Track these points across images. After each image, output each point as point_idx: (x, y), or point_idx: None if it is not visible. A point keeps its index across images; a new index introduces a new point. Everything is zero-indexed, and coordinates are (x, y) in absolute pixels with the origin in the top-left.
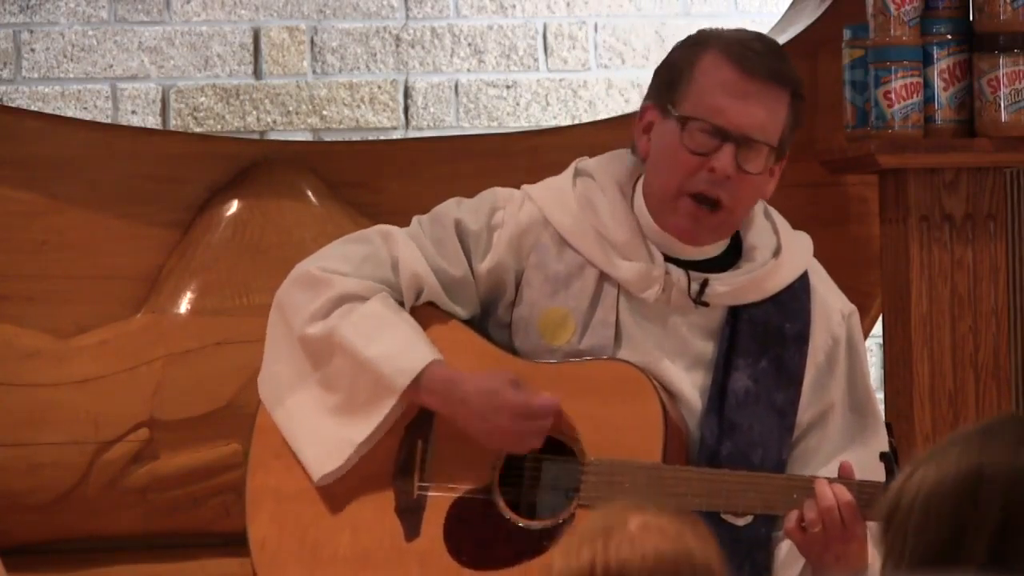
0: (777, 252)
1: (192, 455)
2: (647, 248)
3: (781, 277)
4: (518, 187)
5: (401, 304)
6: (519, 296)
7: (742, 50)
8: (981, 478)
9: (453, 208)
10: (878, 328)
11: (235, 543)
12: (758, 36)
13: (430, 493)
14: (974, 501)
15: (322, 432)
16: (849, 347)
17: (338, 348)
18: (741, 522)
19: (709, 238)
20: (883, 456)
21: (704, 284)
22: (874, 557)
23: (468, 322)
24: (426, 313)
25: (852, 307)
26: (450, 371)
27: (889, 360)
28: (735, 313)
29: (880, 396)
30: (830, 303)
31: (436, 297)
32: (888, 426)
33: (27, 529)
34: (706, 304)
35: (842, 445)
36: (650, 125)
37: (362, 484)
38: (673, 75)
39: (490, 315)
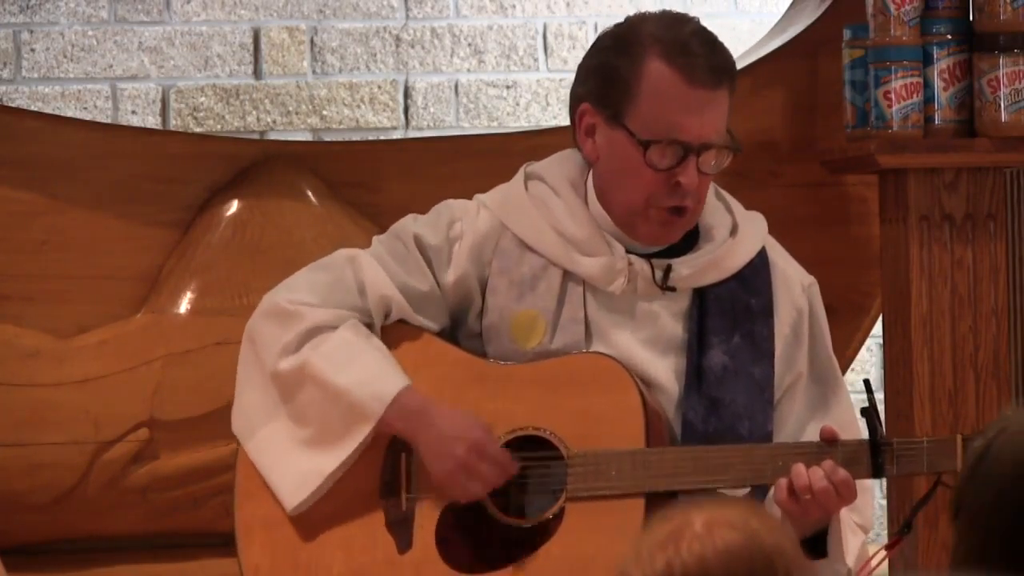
0: (733, 231)
1: (192, 455)
2: (607, 242)
3: (741, 254)
4: None
5: (371, 327)
6: (485, 305)
7: (684, 55)
8: None
9: (410, 224)
10: (878, 328)
11: (235, 542)
12: (693, 30)
13: (418, 504)
14: None
15: (293, 464)
16: (812, 318)
17: (309, 380)
18: (739, 494)
19: (678, 236)
20: (864, 411)
21: (668, 269)
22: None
23: (439, 334)
24: (398, 330)
25: (812, 278)
26: (421, 398)
27: (889, 360)
28: (701, 294)
29: (880, 396)
30: (791, 276)
31: (405, 314)
32: (866, 382)
33: (27, 529)
34: (673, 289)
35: (809, 414)
36: (592, 128)
37: (350, 503)
38: (615, 83)
39: (460, 327)
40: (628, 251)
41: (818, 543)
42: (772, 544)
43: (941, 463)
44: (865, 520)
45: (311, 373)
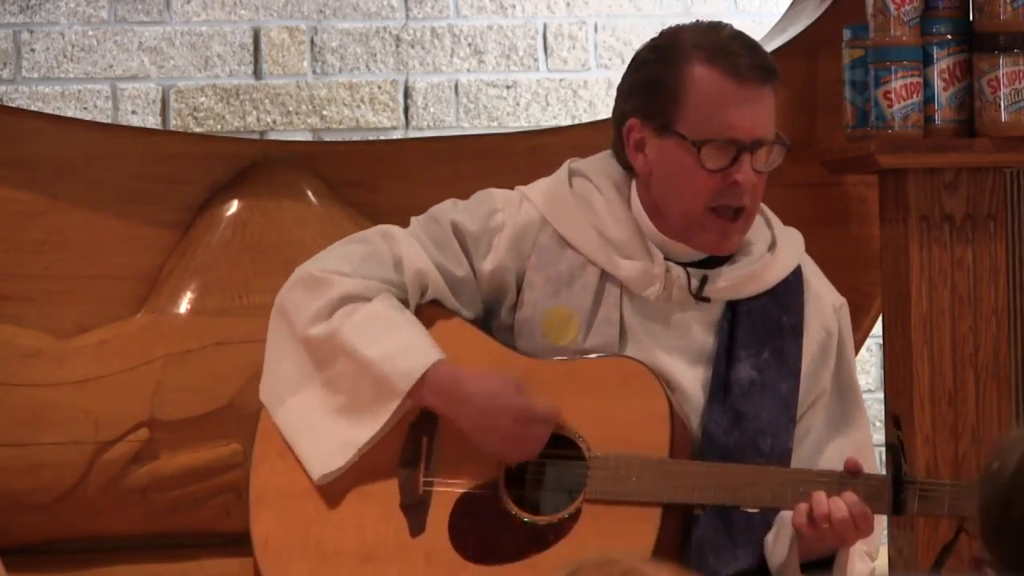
0: (772, 246)
1: (192, 455)
2: (646, 247)
3: (777, 271)
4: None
5: (405, 303)
6: (520, 299)
7: (727, 56)
8: None
9: (450, 209)
10: (878, 328)
11: (235, 543)
12: (731, 33)
13: (435, 489)
14: None
15: (325, 432)
16: (840, 339)
17: (341, 350)
18: (753, 509)
19: (737, 243)
20: (890, 447)
21: (704, 280)
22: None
23: (472, 322)
24: (431, 311)
25: (843, 300)
26: (454, 370)
27: (889, 360)
28: (733, 307)
29: (880, 396)
30: (823, 296)
31: (441, 294)
32: (895, 419)
33: (27, 529)
34: (707, 299)
35: (828, 434)
36: (641, 142)
37: (366, 481)
38: (660, 93)
39: (493, 318)
40: (667, 258)
41: (823, 564)
42: None
43: (962, 507)
44: (872, 548)
45: (342, 343)
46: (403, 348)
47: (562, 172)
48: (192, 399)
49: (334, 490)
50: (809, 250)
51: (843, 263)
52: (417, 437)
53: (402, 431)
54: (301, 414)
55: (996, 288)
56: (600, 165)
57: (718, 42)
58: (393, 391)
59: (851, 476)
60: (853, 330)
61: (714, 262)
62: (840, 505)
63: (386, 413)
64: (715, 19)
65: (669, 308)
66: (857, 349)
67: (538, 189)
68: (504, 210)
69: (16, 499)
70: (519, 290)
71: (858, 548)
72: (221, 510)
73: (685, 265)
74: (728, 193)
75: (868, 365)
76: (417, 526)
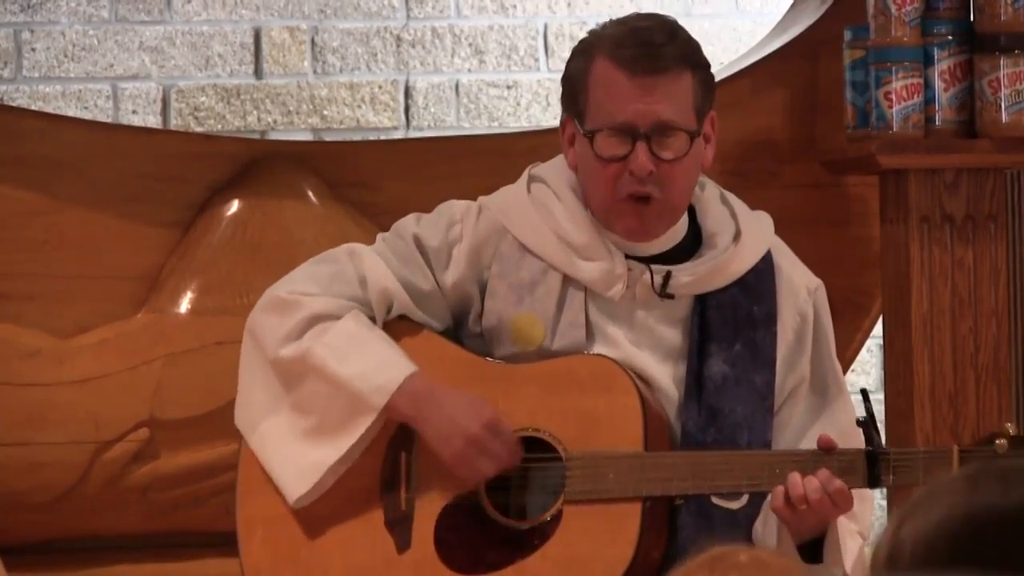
0: (737, 236)
1: (192, 454)
2: (607, 247)
3: (743, 261)
4: None
5: (373, 320)
6: (484, 308)
7: (627, 51)
8: (974, 525)
9: (412, 224)
10: (878, 329)
11: (234, 543)
12: (643, 24)
13: (417, 503)
14: (970, 551)
15: (295, 456)
16: (816, 323)
17: (311, 370)
18: (736, 505)
19: (658, 229)
20: (860, 422)
21: (667, 277)
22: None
23: (442, 333)
24: (399, 326)
25: (818, 281)
26: (429, 382)
27: (889, 361)
28: (702, 301)
29: (880, 397)
30: (796, 280)
31: (407, 309)
32: (863, 392)
33: (27, 528)
34: (671, 296)
35: (810, 420)
36: (572, 136)
37: (350, 502)
38: (573, 88)
39: (461, 327)
40: (628, 257)
41: (815, 548)
42: None
43: (937, 474)
44: (864, 527)
45: (313, 363)
46: (376, 365)
47: (522, 179)
48: (192, 398)
49: (320, 513)
50: (809, 250)
51: (843, 263)
52: (395, 454)
53: (380, 449)
54: (272, 439)
55: (996, 289)
56: (559, 169)
57: (619, 34)
58: (367, 407)
59: (825, 454)
60: (853, 331)
61: (677, 257)
62: (814, 484)
63: (359, 430)
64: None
65: (634, 307)
66: (857, 350)
67: (497, 198)
68: (462, 222)
69: (17, 498)
70: (483, 299)
71: (849, 527)
72: (221, 509)
73: (648, 262)
74: (629, 181)
75: (868, 366)
76: (403, 542)
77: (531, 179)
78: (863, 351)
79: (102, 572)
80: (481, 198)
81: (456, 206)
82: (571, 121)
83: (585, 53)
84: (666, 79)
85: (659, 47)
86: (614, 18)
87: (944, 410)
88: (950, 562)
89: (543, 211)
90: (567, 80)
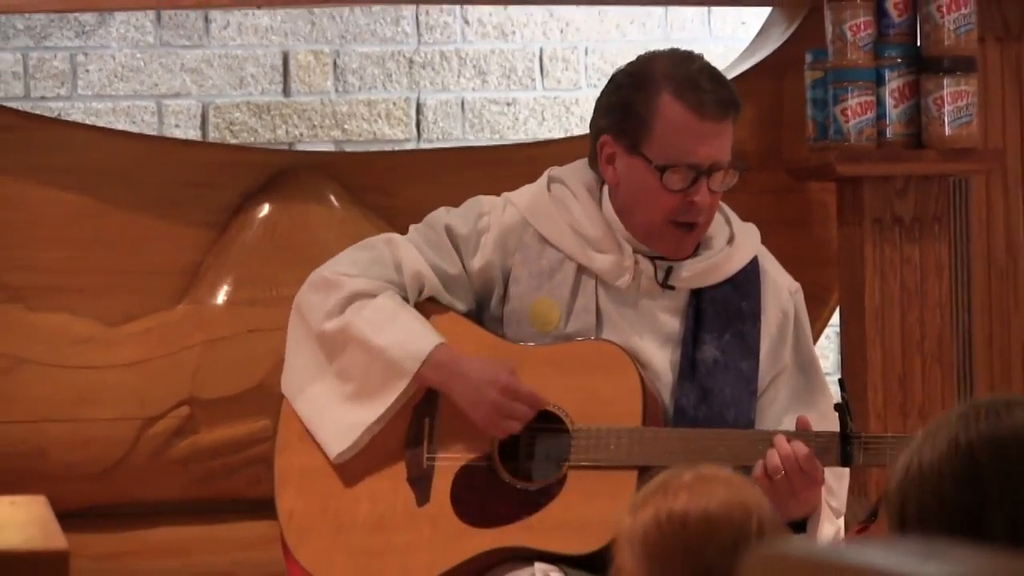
0: (731, 240)
1: (227, 430)
2: (617, 242)
3: (736, 261)
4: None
5: (406, 299)
6: (508, 292)
7: (694, 91)
8: (972, 456)
9: (443, 215)
10: (836, 318)
11: (265, 509)
12: (700, 67)
13: (437, 463)
14: (970, 478)
15: (337, 417)
16: (796, 320)
17: (352, 340)
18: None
19: (691, 250)
20: (837, 407)
21: (669, 270)
22: (826, 498)
23: (466, 314)
24: (428, 307)
25: (797, 285)
26: (454, 353)
27: (845, 347)
28: (698, 295)
29: (837, 378)
30: (779, 282)
31: (436, 292)
32: (840, 382)
33: (81, 495)
34: (672, 287)
35: (791, 404)
36: (612, 156)
37: (377, 459)
38: (632, 118)
39: (483, 311)
40: (635, 251)
41: (798, 530)
42: (752, 499)
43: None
44: (840, 503)
45: (353, 334)
46: (408, 335)
47: (542, 179)
48: (227, 380)
49: (349, 468)
50: (774, 248)
51: (805, 260)
52: (420, 418)
53: (407, 414)
54: (317, 402)
55: (941, 283)
56: (576, 172)
57: (687, 75)
58: (401, 372)
59: (803, 434)
60: (813, 320)
61: None
62: (786, 451)
63: (394, 392)
64: (691, 44)
65: (639, 296)
66: (816, 337)
67: (521, 195)
68: (490, 214)
69: (71, 469)
70: (506, 284)
71: (827, 511)
72: (253, 479)
73: (652, 258)
74: (685, 211)
75: (827, 351)
76: (423, 497)
77: (551, 180)
78: (822, 339)
79: (146, 534)
80: (506, 194)
81: (484, 200)
82: (616, 144)
83: (648, 88)
84: (726, 123)
85: (721, 93)
86: (658, 50)
87: (894, 390)
88: (954, 484)
89: (561, 208)
90: (621, 107)
